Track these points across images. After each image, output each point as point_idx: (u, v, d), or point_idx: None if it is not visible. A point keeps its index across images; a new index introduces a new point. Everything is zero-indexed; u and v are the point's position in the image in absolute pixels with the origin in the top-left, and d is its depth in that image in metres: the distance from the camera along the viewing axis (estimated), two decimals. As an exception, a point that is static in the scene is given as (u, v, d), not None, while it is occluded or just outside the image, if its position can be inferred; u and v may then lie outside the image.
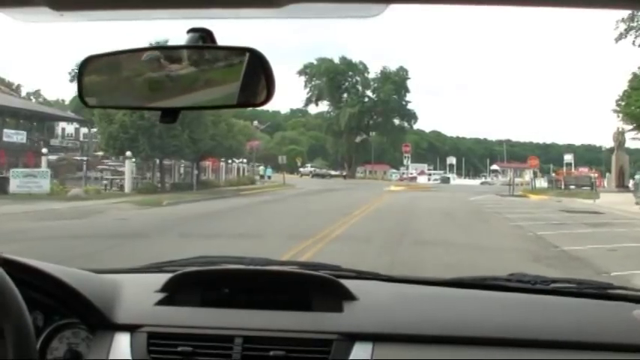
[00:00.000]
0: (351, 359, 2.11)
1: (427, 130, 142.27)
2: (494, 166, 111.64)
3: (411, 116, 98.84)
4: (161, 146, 37.42)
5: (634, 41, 38.36)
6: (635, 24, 34.46)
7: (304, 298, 2.38)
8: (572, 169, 70.00)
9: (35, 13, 1.25)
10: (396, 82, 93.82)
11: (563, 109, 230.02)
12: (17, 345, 1.60)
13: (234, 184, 50.16)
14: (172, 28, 1.83)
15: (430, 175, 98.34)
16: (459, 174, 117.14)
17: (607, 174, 58.50)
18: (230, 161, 55.93)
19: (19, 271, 2.00)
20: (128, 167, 38.32)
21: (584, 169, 67.47)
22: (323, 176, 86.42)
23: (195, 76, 1.46)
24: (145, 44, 1.54)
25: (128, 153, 37.37)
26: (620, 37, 38.04)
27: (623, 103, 35.71)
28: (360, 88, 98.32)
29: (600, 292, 2.57)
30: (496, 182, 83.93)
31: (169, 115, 1.48)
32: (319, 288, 2.41)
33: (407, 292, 2.55)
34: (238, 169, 59.24)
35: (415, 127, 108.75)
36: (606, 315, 2.37)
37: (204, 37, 1.40)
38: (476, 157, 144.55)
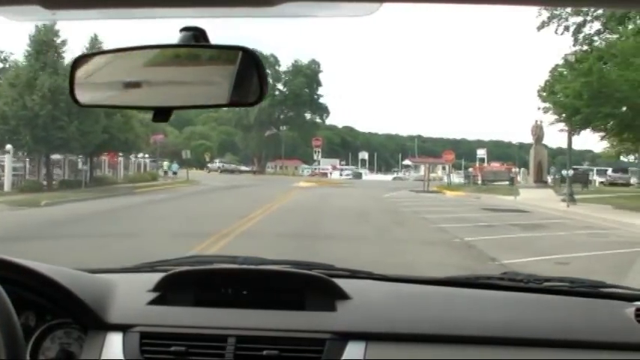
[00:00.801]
0: (344, 359, 2.09)
1: (340, 125, 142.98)
2: (407, 161, 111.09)
3: (323, 110, 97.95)
4: (46, 139, 34.32)
5: (556, 29, 37.39)
6: (558, 11, 32.77)
7: (297, 297, 2.35)
8: (485, 164, 68.91)
9: (27, 12, 1.25)
10: (307, 75, 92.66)
11: (473, 105, 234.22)
12: (5, 345, 1.60)
13: (133, 180, 47.12)
14: (166, 27, 1.58)
15: (342, 170, 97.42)
16: (371, 169, 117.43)
17: (521, 169, 57.66)
18: (134, 156, 53.03)
19: (11, 271, 2.01)
20: (8, 162, 34.64)
21: (495, 164, 66.59)
22: (232, 172, 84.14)
23: (187, 75, 1.45)
24: (138, 43, 1.50)
25: (8, 146, 34.03)
26: (543, 25, 37.18)
27: (545, 94, 33.87)
28: (270, 81, 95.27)
29: (592, 290, 2.57)
30: (409, 177, 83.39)
31: (162, 114, 1.46)
32: (312, 287, 2.38)
33: (400, 291, 2.52)
34: (140, 164, 55.48)
35: (328, 122, 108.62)
36: (598, 313, 2.36)
37: (197, 35, 1.37)
38: (388, 152, 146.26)
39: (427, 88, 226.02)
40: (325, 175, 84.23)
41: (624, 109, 25.65)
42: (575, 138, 30.75)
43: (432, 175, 65.95)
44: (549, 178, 48.55)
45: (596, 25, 36.50)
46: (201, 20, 1.39)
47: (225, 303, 2.36)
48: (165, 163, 67.70)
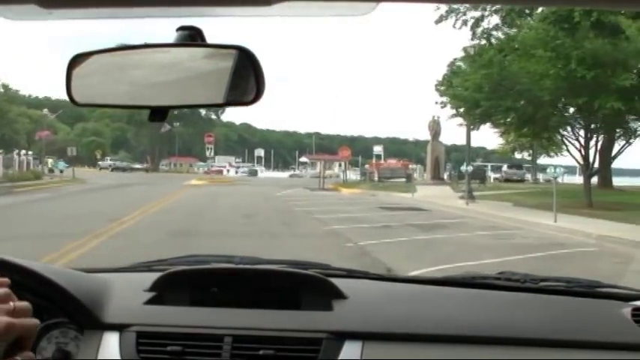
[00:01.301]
0: (340, 358, 2.09)
1: (237, 122, 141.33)
2: (303, 158, 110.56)
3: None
4: None
5: (455, 23, 36.85)
6: (456, 5, 31.95)
7: (294, 296, 2.36)
8: (382, 161, 68.36)
9: (23, 11, 1.27)
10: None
11: (370, 102, 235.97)
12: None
13: (13, 179, 43.39)
14: (162, 26, 1.66)
15: (239, 167, 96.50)
16: (268, 166, 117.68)
17: (417, 165, 57.22)
18: (17, 154, 49.85)
19: (7, 270, 1.97)
20: None
21: (392, 161, 66.11)
22: (124, 170, 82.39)
23: (184, 74, 1.43)
24: (134, 42, 1.52)
25: None
26: (441, 19, 36.66)
27: (443, 88, 32.92)
28: None
29: (589, 290, 2.59)
30: (305, 175, 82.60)
31: (158, 113, 1.44)
32: (309, 287, 2.39)
33: (396, 291, 2.53)
34: (22, 162, 51.87)
35: (225, 119, 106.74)
36: (595, 313, 2.38)
37: (193, 35, 1.37)
38: (285, 149, 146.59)
39: (325, 85, 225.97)
40: (221, 172, 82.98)
41: (525, 102, 24.61)
42: (473, 135, 29.82)
43: (329, 172, 65.22)
44: (446, 175, 48.01)
45: (495, 19, 36.11)
46: (200, 19, 1.41)
47: (221, 302, 2.33)
48: (50, 161, 64.02)
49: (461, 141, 30.39)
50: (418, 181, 46.07)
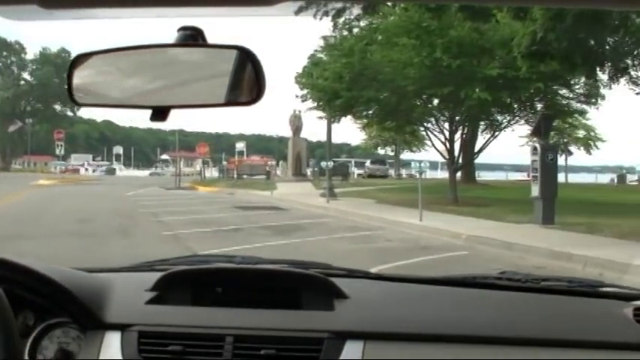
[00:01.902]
0: (342, 358, 2.10)
1: (99, 119, 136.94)
2: (165, 156, 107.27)
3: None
4: None
5: (315, 14, 35.48)
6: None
7: (295, 296, 2.36)
8: (244, 157, 66.50)
9: (25, 12, 1.27)
10: (57, 64, 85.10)
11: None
12: (1, 344, 1.65)
13: None
14: (164, 27, 1.63)
15: (98, 166, 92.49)
16: (129, 165, 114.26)
17: (280, 162, 55.86)
18: None
19: (9, 270, 2.05)
20: None
21: (256, 158, 64.31)
22: None
23: (185, 75, 1.47)
24: (135, 42, 1.54)
25: None
26: (301, 9, 34.75)
27: (303, 80, 31.33)
28: (15, 69, 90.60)
29: (591, 290, 2.60)
30: (166, 172, 79.64)
31: (159, 113, 1.45)
32: (310, 286, 2.40)
33: (397, 291, 2.54)
34: None
35: (86, 116, 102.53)
36: (597, 313, 2.38)
37: (194, 35, 1.38)
38: (149, 147, 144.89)
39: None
40: (77, 171, 79.17)
41: (388, 93, 23.28)
42: (332, 130, 28.36)
43: (190, 169, 62.94)
44: (309, 171, 46.64)
45: (357, 10, 34.83)
46: (199, 19, 1.42)
47: (223, 302, 2.34)
48: None
49: (326, 138, 28.87)
50: (280, 177, 44.90)
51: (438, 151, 25.92)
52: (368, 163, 64.18)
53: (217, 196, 33.43)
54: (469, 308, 2.39)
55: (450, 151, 25.00)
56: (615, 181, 57.10)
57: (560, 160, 61.73)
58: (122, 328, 2.19)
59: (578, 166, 72.82)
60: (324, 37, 29.42)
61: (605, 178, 62.52)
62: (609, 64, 17.50)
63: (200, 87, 1.47)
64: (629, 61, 17.52)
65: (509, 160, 70.48)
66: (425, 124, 26.04)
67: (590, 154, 58.91)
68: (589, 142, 58.15)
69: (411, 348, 2.12)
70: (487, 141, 27.00)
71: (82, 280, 2.38)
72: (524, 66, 17.46)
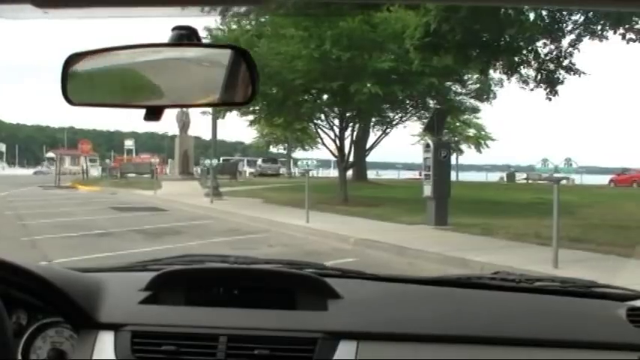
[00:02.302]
0: (335, 358, 2.10)
1: None
2: (50, 154, 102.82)
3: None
4: None
5: (202, 9, 33.79)
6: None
7: (289, 296, 2.37)
8: (134, 156, 64.21)
9: (18, 11, 1.28)
10: None
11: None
12: None
13: None
14: (158, 26, 1.64)
15: None
16: (13, 163, 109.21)
17: (170, 160, 54.11)
18: None
19: (1, 270, 2.05)
20: None
21: (146, 156, 62.02)
22: None
23: (179, 74, 1.46)
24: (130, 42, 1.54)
25: None
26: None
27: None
28: None
29: (584, 290, 2.60)
30: (52, 171, 76.14)
31: (153, 113, 1.45)
32: (304, 286, 2.40)
33: (391, 291, 2.53)
34: None
35: None
36: (590, 313, 2.39)
37: (188, 34, 1.37)
38: (37, 144, 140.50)
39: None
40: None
41: (276, 87, 22.10)
42: (227, 129, 27.03)
43: (77, 168, 60.37)
44: (198, 170, 44.99)
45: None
46: (196, 19, 1.42)
47: (216, 302, 2.33)
48: None
49: (220, 135, 27.59)
50: (168, 176, 43.20)
51: (328, 148, 24.95)
52: (259, 161, 63.00)
53: (97, 195, 31.46)
54: (463, 308, 2.38)
55: (340, 148, 24.01)
56: (505, 179, 57.80)
57: (452, 159, 62.58)
58: (115, 327, 2.18)
59: (468, 164, 73.81)
60: (208, 29, 27.92)
61: (494, 177, 63.33)
62: (502, 60, 16.91)
63: (194, 86, 1.47)
64: (524, 56, 16.91)
65: (401, 159, 70.71)
66: (315, 120, 24.95)
67: (480, 152, 59.63)
68: (479, 140, 58.77)
69: (405, 348, 2.13)
70: (379, 138, 26.18)
71: (75, 279, 2.37)
72: (416, 58, 16.63)
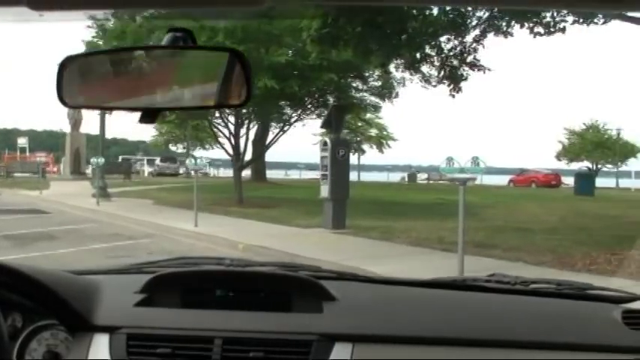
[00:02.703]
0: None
1: None
2: None
3: None
4: None
5: None
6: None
7: (284, 299, 2.37)
8: (28, 154, 61.18)
9: (14, 13, 1.27)
10: None
11: (24, 94, 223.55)
12: None
13: None
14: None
15: None
16: None
17: (63, 159, 51.76)
18: None
19: None
20: None
21: (41, 154, 59.18)
22: None
23: (174, 77, 1.47)
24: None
25: None
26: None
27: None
28: None
29: (580, 292, 2.60)
30: None
31: (149, 115, 1.48)
32: (299, 289, 2.40)
33: (386, 293, 2.55)
34: None
35: None
36: (585, 315, 2.40)
37: (184, 37, 1.37)
38: None
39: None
40: None
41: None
42: (130, 127, 25.46)
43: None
44: (90, 168, 42.98)
45: None
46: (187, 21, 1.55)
47: (211, 305, 2.34)
48: None
49: (121, 134, 26.03)
50: (61, 176, 41.07)
51: (223, 147, 23.76)
52: (157, 160, 61.07)
53: (-25, 196, 29.31)
54: (458, 311, 2.37)
55: (235, 147, 22.81)
56: (406, 179, 57.79)
57: (353, 159, 62.48)
58: (110, 330, 2.18)
59: (371, 164, 73.68)
60: (95, 19, 26.28)
61: (396, 177, 63.25)
62: (404, 55, 16.14)
63: (190, 89, 1.45)
64: (427, 51, 16.17)
65: (303, 159, 69.84)
66: (209, 117, 23.67)
67: (382, 152, 59.49)
68: (381, 140, 58.68)
69: (400, 350, 2.13)
70: (276, 136, 25.08)
71: (70, 282, 2.36)
72: (314, 51, 15.62)
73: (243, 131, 23.36)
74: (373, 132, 57.67)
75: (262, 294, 2.40)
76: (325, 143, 15.47)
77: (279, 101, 21.68)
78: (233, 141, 22.74)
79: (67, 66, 1.52)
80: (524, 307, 2.42)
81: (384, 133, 58.49)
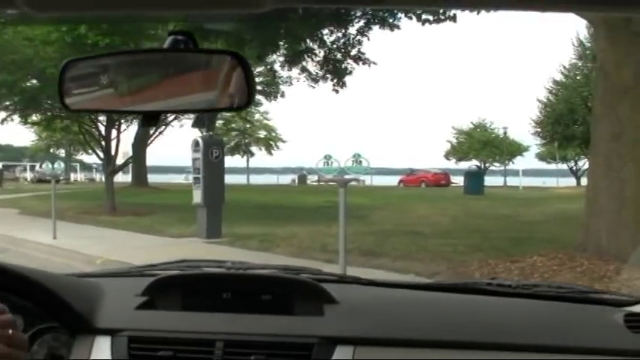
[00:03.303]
0: None
1: None
2: None
3: None
4: None
5: None
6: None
7: (285, 301, 2.38)
8: None
9: (15, 15, 1.36)
10: None
11: None
12: None
13: None
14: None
15: None
16: None
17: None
18: None
19: None
20: None
21: None
22: None
23: (176, 80, 1.44)
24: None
25: None
26: None
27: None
28: None
29: (581, 295, 2.59)
30: None
31: (151, 118, 1.52)
32: (300, 292, 2.41)
33: (387, 296, 2.54)
34: None
35: None
36: (587, 319, 2.40)
37: (185, 40, 1.37)
38: None
39: None
40: None
41: (30, 77, 19.11)
42: (14, 133, 23.34)
43: None
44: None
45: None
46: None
47: (213, 307, 2.34)
48: None
49: (6, 140, 24.02)
50: None
51: (94, 150, 22.02)
52: (37, 166, 58.28)
53: None
54: (459, 314, 2.39)
55: (106, 150, 21.03)
56: (296, 181, 56.96)
57: (242, 162, 61.36)
58: (112, 333, 2.20)
59: (263, 167, 72.66)
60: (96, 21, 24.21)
61: (287, 179, 62.39)
62: (284, 46, 15.08)
63: (191, 92, 1.45)
64: (308, 45, 15.13)
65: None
66: (79, 119, 21.80)
67: (271, 154, 58.86)
68: (270, 142, 58.07)
69: (401, 353, 2.14)
70: (150, 137, 23.51)
71: (72, 284, 2.39)
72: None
73: (114, 132, 21.66)
74: (262, 134, 57.03)
75: (263, 297, 2.38)
76: (197, 144, 13.97)
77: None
78: (104, 143, 21.00)
79: (67, 69, 1.50)
80: (526, 310, 2.42)
81: (273, 134, 57.95)
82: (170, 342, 2.15)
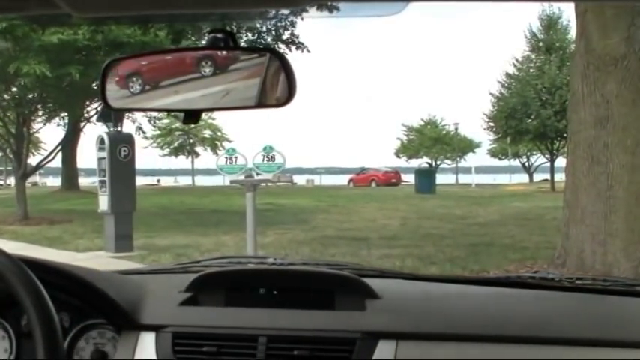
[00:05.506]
0: (374, 358, 2.07)
1: None
2: None
3: None
4: None
5: None
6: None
7: (328, 297, 2.33)
8: None
9: (57, 17, 1.05)
10: None
11: None
12: (46, 346, 1.65)
13: None
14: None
15: None
16: None
17: None
18: None
19: (44, 272, 1.96)
20: None
21: None
22: None
23: (216, 78, 1.49)
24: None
25: None
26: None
27: None
28: None
29: (627, 288, 2.50)
30: None
31: (192, 116, 1.54)
32: (342, 287, 2.36)
33: (430, 290, 2.47)
34: None
35: None
36: (634, 311, 2.32)
37: (224, 38, 1.40)
38: None
39: None
40: None
41: None
42: None
43: None
44: None
45: None
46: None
47: (256, 303, 2.32)
48: None
49: None
50: None
51: (4, 151, 19.89)
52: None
53: None
54: (503, 307, 2.34)
55: (17, 151, 18.87)
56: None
57: (187, 163, 59.47)
58: (156, 329, 2.19)
59: (211, 168, 70.86)
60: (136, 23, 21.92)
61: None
62: (199, 29, 13.26)
63: (231, 89, 1.49)
64: (232, 26, 13.29)
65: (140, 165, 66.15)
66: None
67: (217, 154, 56.98)
68: (216, 142, 56.31)
69: (444, 347, 2.09)
70: (66, 136, 21.44)
71: (116, 281, 2.38)
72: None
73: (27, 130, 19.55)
74: (207, 134, 55.38)
75: (306, 292, 2.33)
76: (102, 141, 11.88)
77: (57, 92, 17.97)
78: (15, 145, 18.85)
79: (110, 69, 1.55)
80: (571, 304, 2.35)
81: (219, 134, 56.23)
82: (214, 337, 2.12)
